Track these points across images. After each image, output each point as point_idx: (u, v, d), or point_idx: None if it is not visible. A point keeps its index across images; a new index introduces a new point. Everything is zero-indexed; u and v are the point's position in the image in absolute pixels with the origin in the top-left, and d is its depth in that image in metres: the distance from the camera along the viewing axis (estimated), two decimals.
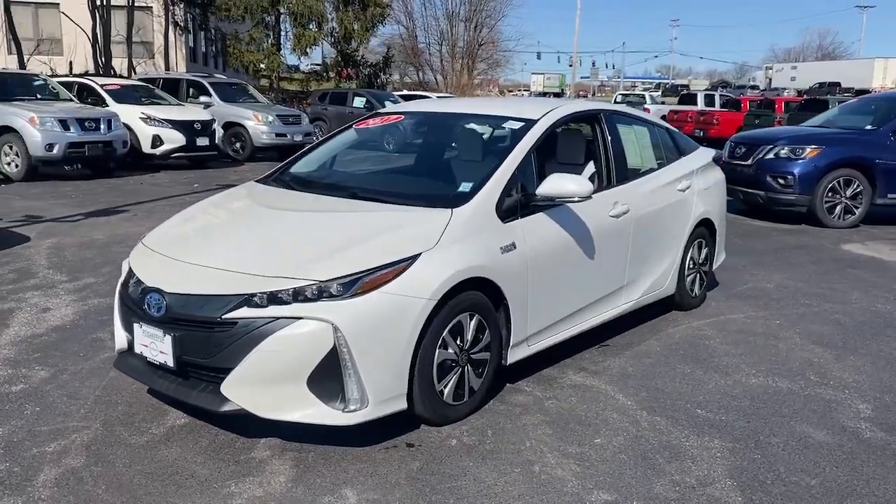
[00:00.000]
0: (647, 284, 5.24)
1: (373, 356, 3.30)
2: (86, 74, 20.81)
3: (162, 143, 15.06)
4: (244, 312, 3.25)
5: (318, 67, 29.21)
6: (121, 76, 20.90)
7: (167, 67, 24.13)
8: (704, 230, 5.91)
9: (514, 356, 4.12)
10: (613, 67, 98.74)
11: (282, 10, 24.23)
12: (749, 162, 10.62)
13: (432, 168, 4.88)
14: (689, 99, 30.39)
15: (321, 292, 3.26)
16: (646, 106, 29.09)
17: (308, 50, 25.21)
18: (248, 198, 4.45)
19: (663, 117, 28.06)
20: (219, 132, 16.06)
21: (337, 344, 3.22)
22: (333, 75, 27.18)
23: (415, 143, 5.23)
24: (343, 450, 3.45)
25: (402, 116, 5.24)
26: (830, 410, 4.09)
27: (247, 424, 3.51)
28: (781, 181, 10.20)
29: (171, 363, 3.41)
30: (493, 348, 3.93)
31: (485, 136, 4.72)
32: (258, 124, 17.23)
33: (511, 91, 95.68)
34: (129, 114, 14.90)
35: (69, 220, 9.19)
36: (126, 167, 14.56)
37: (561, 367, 4.57)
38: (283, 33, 25.15)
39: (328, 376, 3.25)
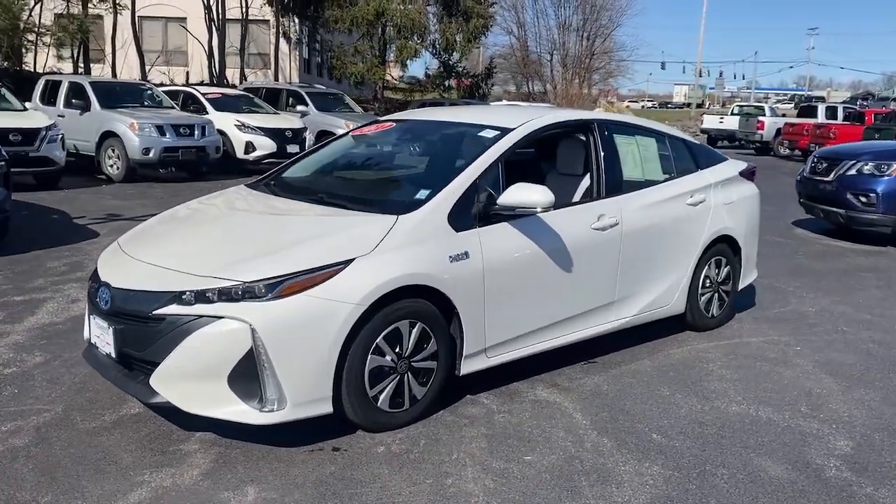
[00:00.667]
0: (646, 301, 5.03)
1: (292, 358, 3.36)
2: (199, 84, 22.13)
3: (254, 149, 15.78)
4: (173, 309, 3.38)
5: (422, 79, 29.72)
6: (232, 86, 22.04)
7: (276, 78, 25.27)
8: (725, 247, 5.61)
9: (469, 367, 4.06)
10: (743, 78, 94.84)
11: (386, 23, 24.81)
12: (830, 178, 9.97)
13: (400, 175, 4.90)
14: (810, 111, 28.73)
15: (245, 293, 3.35)
16: (760, 119, 27.70)
17: (409, 61, 25.74)
18: (223, 199, 4.61)
19: (779, 130, 26.72)
20: (309, 139, 16.63)
21: (254, 344, 3.30)
22: (436, 85, 27.58)
23: (394, 150, 5.26)
24: (268, 449, 3.52)
25: (394, 124, 5.28)
26: (804, 445, 3.79)
27: (191, 418, 3.63)
28: (863, 199, 9.51)
29: (113, 354, 3.60)
30: (442, 357, 3.89)
31: (457, 145, 4.69)
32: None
33: (634, 101, 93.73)
34: (225, 121, 15.71)
35: (143, 219, 9.79)
36: (220, 172, 15.32)
37: (532, 382, 4.47)
38: (386, 45, 25.74)
39: (247, 375, 3.33)
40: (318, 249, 3.56)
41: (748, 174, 6.01)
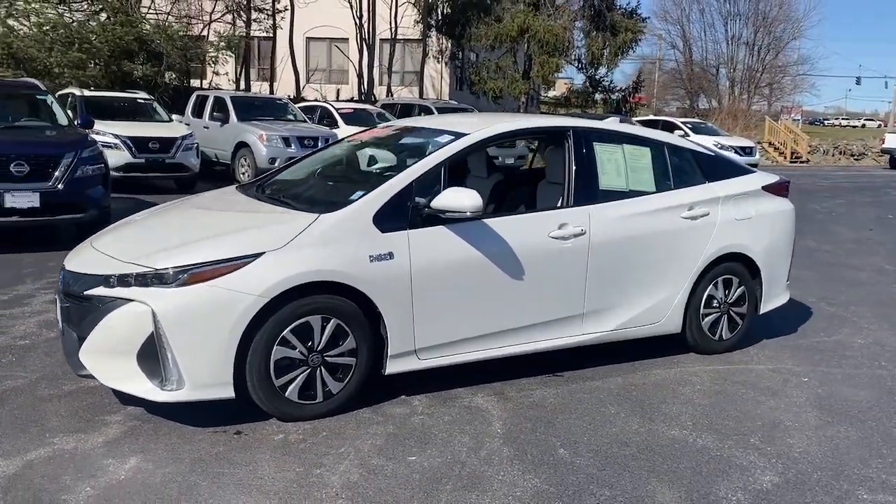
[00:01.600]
0: (626, 317, 4.82)
1: (191, 342, 3.59)
2: (349, 100, 23.37)
3: (376, 161, 16.44)
4: (99, 290, 3.73)
5: (568, 94, 29.50)
6: (373, 102, 23.03)
7: (421, 94, 26.13)
8: (738, 266, 5.24)
9: (397, 367, 4.12)
10: None
11: (528, 39, 24.92)
12: None
13: (351, 176, 5.03)
14: None
15: (155, 279, 3.64)
16: (887, 132, 25.26)
17: (550, 77, 25.61)
18: (200, 198, 4.97)
19: None
20: None
21: (155, 327, 3.57)
22: (582, 100, 27.28)
23: (370, 154, 5.39)
24: (177, 427, 3.78)
25: (380, 130, 5.42)
26: (721, 476, 3.50)
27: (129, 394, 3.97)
28: None
29: (62, 329, 4.02)
30: (362, 355, 3.98)
31: (415, 150, 4.73)
32: None
33: (828, 120, 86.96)
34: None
35: None
36: None
37: (476, 389, 4.43)
38: (530, 61, 25.84)
39: (151, 355, 3.61)
40: (232, 242, 3.78)
41: (777, 189, 5.56)
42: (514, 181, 5.73)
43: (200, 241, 3.83)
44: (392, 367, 4.11)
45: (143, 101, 14.97)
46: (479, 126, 4.60)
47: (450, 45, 27.22)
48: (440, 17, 26.79)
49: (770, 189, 5.50)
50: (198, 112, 16.60)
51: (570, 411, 4.18)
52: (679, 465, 3.59)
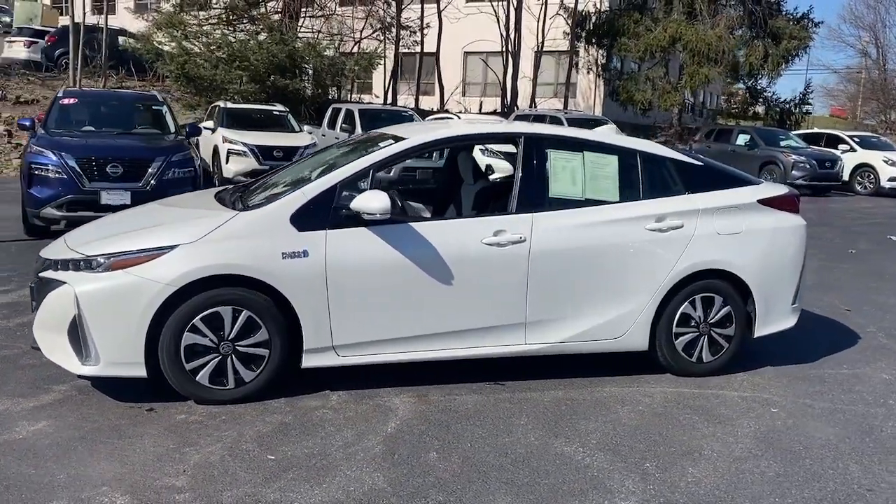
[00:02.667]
0: (578, 329, 4.65)
1: (105, 323, 3.97)
2: (491, 113, 23.73)
3: (492, 171, 16.61)
4: (48, 273, 4.22)
5: (727, 104, 27.95)
6: (507, 114, 23.16)
7: (566, 106, 25.89)
8: (721, 284, 4.88)
9: (314, 362, 4.28)
10: None
11: (679, 49, 23.98)
12: None
13: (305, 179, 5.17)
14: None
15: (85, 265, 4.06)
16: None
17: (698, 88, 24.40)
18: (176, 198, 5.40)
19: None
20: None
21: (77, 308, 3.98)
22: (740, 111, 25.79)
23: (341, 157, 5.52)
24: (104, 400, 4.18)
25: (363, 135, 5.59)
26: (578, 496, 3.34)
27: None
28: None
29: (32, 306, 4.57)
30: (276, 347, 4.18)
31: (361, 153, 4.83)
32: None
33: None
34: None
35: None
36: None
37: (402, 391, 4.47)
38: (680, 71, 24.84)
39: (76, 333, 4.03)
40: (153, 235, 4.13)
41: (779, 203, 5.10)
42: (495, 189, 5.69)
43: (130, 234, 4.22)
44: (309, 362, 4.28)
45: (277, 112, 16.14)
46: (419, 132, 4.67)
47: (600, 56, 26.76)
48: (591, 28, 26.44)
49: (769, 203, 5.06)
50: (332, 124, 17.61)
51: (479, 419, 4.12)
52: (542, 480, 3.46)
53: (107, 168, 8.62)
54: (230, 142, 14.27)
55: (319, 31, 21.75)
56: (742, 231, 4.92)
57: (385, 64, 24.34)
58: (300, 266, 4.14)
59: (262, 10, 20.82)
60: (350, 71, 20.56)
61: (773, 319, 5.09)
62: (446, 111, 23.74)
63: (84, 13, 22.82)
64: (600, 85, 29.68)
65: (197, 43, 19.93)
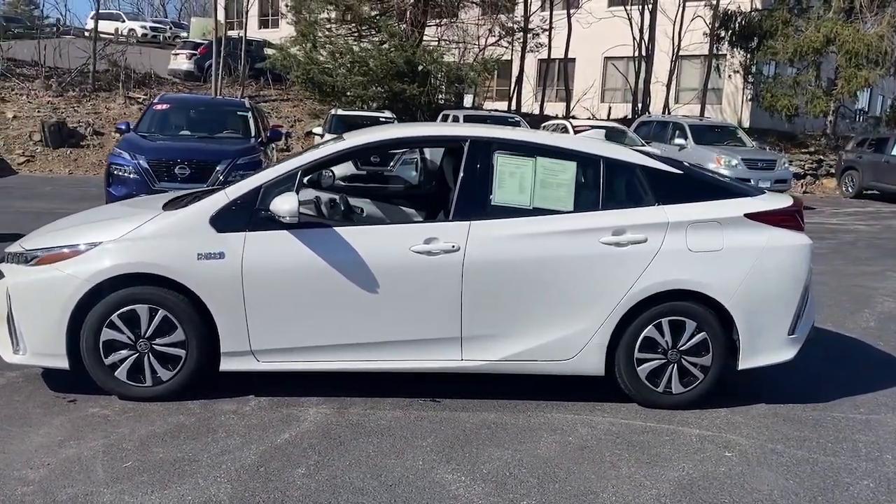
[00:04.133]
0: (517, 348, 4.30)
1: (30, 315, 4.13)
2: (622, 119, 22.90)
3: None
4: (1, 265, 4.47)
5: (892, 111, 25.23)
6: (630, 120, 22.21)
7: (702, 112, 24.42)
8: (695, 308, 4.35)
9: (232, 365, 4.24)
10: None
11: (833, 51, 21.96)
12: None
13: None
14: None
15: (21, 258, 4.25)
16: None
17: (857, 93, 22.15)
18: (141, 198, 5.53)
19: None
20: None
21: (8, 300, 4.18)
22: None
23: None
24: (38, 388, 4.36)
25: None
26: None
27: None
28: None
29: None
30: (192, 348, 4.18)
31: None
32: (718, 167, 16.56)
33: None
34: None
35: None
36: None
37: (324, 400, 4.33)
38: (836, 74, 22.75)
39: (11, 323, 4.23)
40: (81, 232, 4.26)
41: (773, 218, 4.46)
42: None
43: (67, 230, 4.38)
44: (227, 365, 4.24)
45: (384, 119, 16.42)
46: (360, 135, 4.51)
47: (745, 59, 25.08)
48: (735, 28, 24.83)
49: (759, 218, 4.43)
50: None
51: (381, 437, 3.90)
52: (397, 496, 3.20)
53: (175, 169, 9.10)
54: None
55: (441, 38, 21.92)
56: (721, 248, 4.35)
57: (511, 70, 24.16)
58: (215, 267, 4.11)
59: (390, 20, 21.29)
60: (467, 76, 20.54)
61: (763, 350, 4.45)
62: (572, 117, 23.15)
63: (245, 27, 24.45)
64: (747, 90, 27.83)
65: (323, 52, 20.72)
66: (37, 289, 4.12)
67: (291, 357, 4.25)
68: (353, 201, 5.53)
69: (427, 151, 16.14)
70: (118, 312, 4.11)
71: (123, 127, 10.38)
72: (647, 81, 24.49)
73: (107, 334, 4.13)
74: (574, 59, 27.33)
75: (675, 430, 4.15)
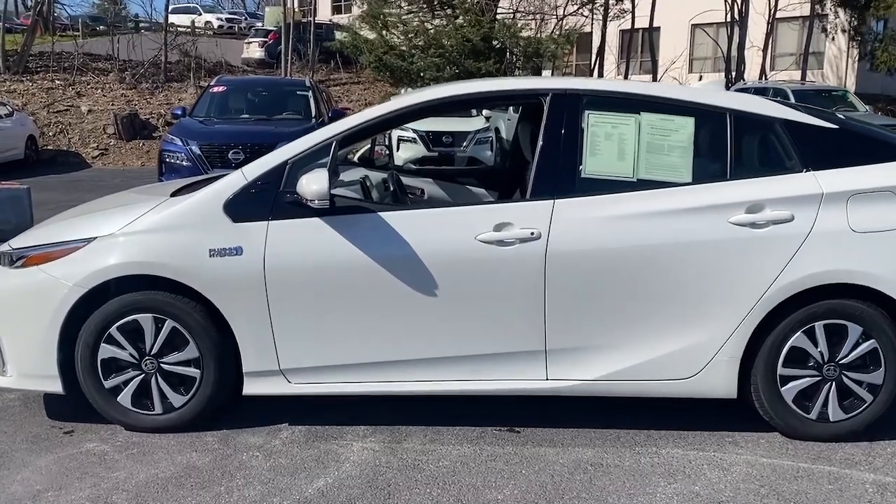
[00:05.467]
0: (623, 364, 3.30)
1: (14, 329, 3.38)
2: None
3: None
4: None
5: None
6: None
7: (804, 77, 22.41)
8: (861, 308, 3.24)
9: (257, 388, 3.38)
10: None
11: None
12: None
13: None
14: None
15: (6, 259, 3.49)
16: None
17: None
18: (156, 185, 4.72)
19: None
20: None
21: None
22: None
23: None
24: (34, 413, 3.63)
25: None
26: None
27: None
28: None
29: None
30: (209, 367, 3.35)
31: None
32: None
33: None
34: None
35: None
36: None
37: (371, 430, 3.43)
38: None
39: None
40: (74, 225, 3.48)
41: None
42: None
43: (58, 223, 3.61)
44: (252, 388, 3.38)
45: None
46: (407, 96, 3.57)
47: (852, 18, 22.93)
48: None
49: None
50: (517, 108, 16.60)
51: (442, 485, 2.97)
52: None
53: (228, 154, 8.40)
54: (401, 128, 13.80)
55: (517, 11, 20.73)
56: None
57: (592, 42, 22.80)
58: (232, 266, 3.25)
59: None
60: (546, 50, 19.32)
61: None
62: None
63: (314, 10, 23.91)
64: (853, 52, 25.54)
65: (395, 32, 19.88)
66: (20, 295, 3.36)
67: (330, 377, 3.37)
68: (410, 181, 4.61)
69: (503, 128, 15.05)
70: (118, 324, 3.32)
71: (179, 112, 9.77)
72: (742, 47, 22.65)
73: (105, 351, 3.34)
74: (658, 27, 25.61)
75: (841, 475, 3.07)
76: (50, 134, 18.38)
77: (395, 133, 13.77)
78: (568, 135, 3.32)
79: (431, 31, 19.74)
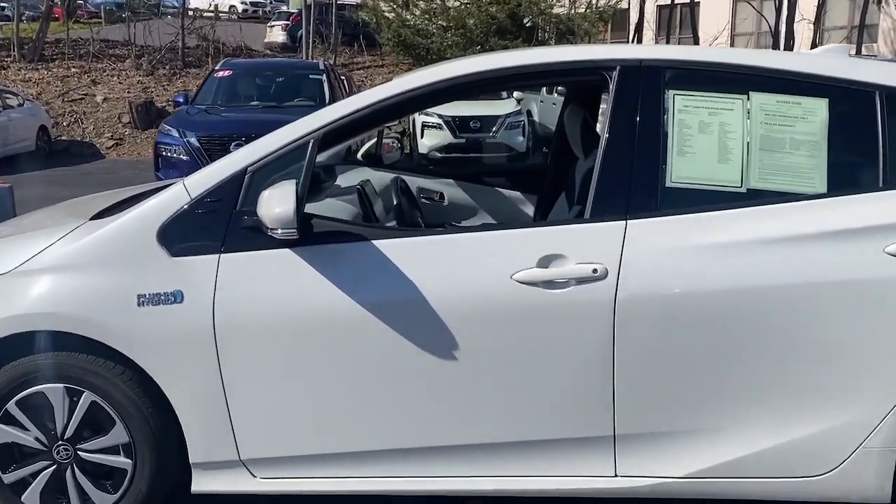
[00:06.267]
0: (723, 455, 2.29)
1: None
2: None
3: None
4: None
5: None
6: None
7: (858, 51, 20.93)
8: None
9: (211, 484, 2.44)
10: None
11: None
12: None
13: None
14: None
15: None
16: None
17: None
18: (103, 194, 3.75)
19: None
20: None
21: None
22: None
23: None
24: None
25: None
26: None
27: None
28: None
29: None
30: (143, 455, 2.42)
31: None
32: None
33: None
34: None
35: None
36: None
37: None
38: None
39: None
40: None
41: None
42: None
43: None
44: (204, 484, 2.44)
45: None
46: (415, 75, 2.57)
47: None
48: None
49: None
50: (550, 88, 15.48)
51: None
52: None
53: (230, 146, 7.45)
54: (425, 113, 12.76)
55: None
56: None
57: (629, 19, 21.50)
58: (169, 318, 2.30)
59: None
60: (579, 28, 18.12)
61: None
62: None
63: None
64: None
65: (416, 11, 18.83)
66: None
67: (312, 470, 2.42)
68: (427, 183, 3.63)
69: (535, 110, 13.82)
70: (17, 398, 2.40)
71: (181, 99, 8.89)
72: (791, 20, 21.19)
73: (2, 434, 2.42)
74: (698, 2, 24.25)
75: None
76: (64, 124, 17.71)
77: (419, 119, 12.77)
78: (645, 125, 2.30)
79: (452, 11, 18.63)
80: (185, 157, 7.49)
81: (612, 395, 2.27)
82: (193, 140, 7.44)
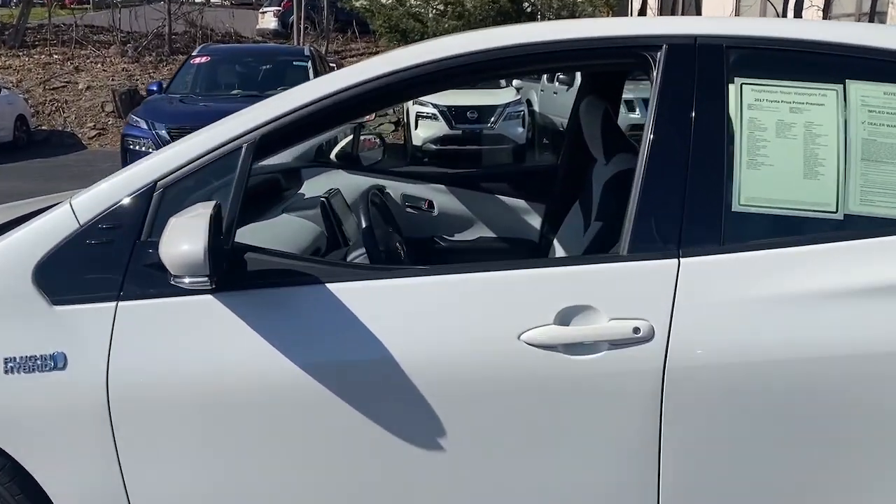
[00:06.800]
0: None
1: None
2: None
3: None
4: None
5: None
6: None
7: None
8: None
9: None
10: None
11: None
12: None
13: None
14: None
15: None
16: None
17: None
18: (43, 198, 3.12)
19: None
20: None
21: None
22: None
23: None
24: None
25: None
26: None
27: None
28: None
29: None
30: None
31: None
32: None
33: None
34: None
35: None
36: None
37: None
38: None
39: None
40: None
41: None
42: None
43: None
44: None
45: None
46: (394, 55, 1.94)
47: None
48: None
49: None
50: (551, 76, 14.82)
51: None
52: None
53: None
54: (419, 103, 12.10)
55: None
56: None
57: (631, 3, 20.82)
58: (47, 391, 1.67)
59: None
60: (582, 12, 17.45)
61: None
62: None
63: None
64: None
65: None
66: None
67: None
68: (413, 190, 2.99)
69: (535, 100, 13.16)
70: None
71: (155, 87, 8.22)
72: (799, 6, 20.52)
73: None
74: None
75: None
76: (45, 113, 17.03)
77: (413, 109, 12.12)
78: (702, 127, 1.67)
79: None
80: (150, 150, 6.84)
81: (656, 493, 1.65)
82: (163, 132, 6.79)
